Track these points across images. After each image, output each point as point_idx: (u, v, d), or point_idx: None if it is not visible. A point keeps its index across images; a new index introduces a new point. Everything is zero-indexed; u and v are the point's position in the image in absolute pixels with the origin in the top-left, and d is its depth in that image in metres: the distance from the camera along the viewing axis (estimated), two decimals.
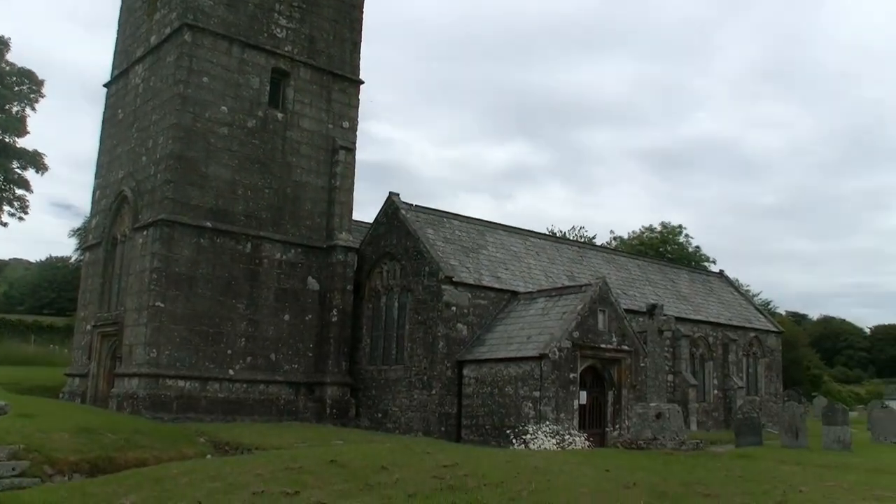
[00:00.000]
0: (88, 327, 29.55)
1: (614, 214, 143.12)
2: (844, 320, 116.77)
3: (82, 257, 35.68)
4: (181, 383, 25.28)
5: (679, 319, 34.56)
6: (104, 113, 32.30)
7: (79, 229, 60.24)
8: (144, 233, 26.38)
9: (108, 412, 24.47)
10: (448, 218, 30.89)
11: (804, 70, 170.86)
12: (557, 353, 23.81)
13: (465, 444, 23.84)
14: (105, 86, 32.62)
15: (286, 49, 29.41)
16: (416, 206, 30.13)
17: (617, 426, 25.22)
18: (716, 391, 37.36)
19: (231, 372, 26.52)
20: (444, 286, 26.54)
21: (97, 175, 31.83)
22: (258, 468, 12.69)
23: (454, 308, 26.66)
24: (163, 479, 12.35)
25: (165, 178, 26.14)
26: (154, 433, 20.12)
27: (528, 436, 20.92)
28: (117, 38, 32.71)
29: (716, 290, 43.16)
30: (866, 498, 11.00)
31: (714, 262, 65.29)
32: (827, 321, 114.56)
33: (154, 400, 24.45)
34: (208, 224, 26.51)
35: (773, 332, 42.38)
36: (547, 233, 47.36)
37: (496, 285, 28.31)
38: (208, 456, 18.53)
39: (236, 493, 10.74)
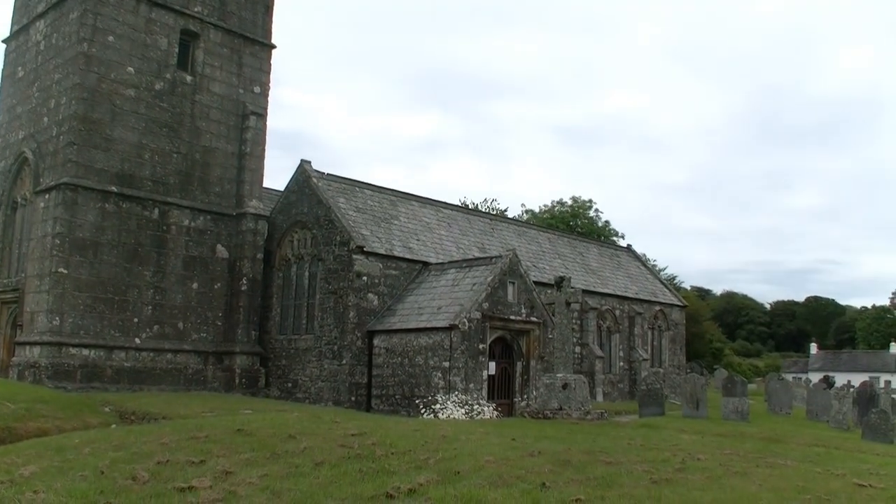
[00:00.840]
0: None
1: (526, 187, 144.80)
2: (746, 296, 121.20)
3: None
4: (85, 352, 24.71)
5: (587, 292, 35.33)
6: (3, 70, 30.88)
7: None
8: (46, 196, 25.52)
9: (9, 381, 23.79)
10: (360, 187, 30.71)
11: (716, 51, 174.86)
12: (467, 323, 24.03)
13: (375, 413, 23.92)
14: (4, 41, 31.21)
15: (196, 10, 28.64)
16: (328, 174, 29.86)
17: (525, 396, 25.62)
18: (621, 363, 38.30)
19: (137, 340, 26.01)
20: (355, 256, 26.45)
21: None
22: (164, 437, 12.50)
23: (365, 278, 26.61)
24: (65, 449, 12.06)
25: (68, 140, 25.30)
26: (57, 403, 19.61)
27: (438, 405, 21.12)
28: None
29: (623, 265, 44.09)
30: (759, 465, 11.45)
31: (623, 237, 66.31)
32: (729, 296, 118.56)
33: (57, 369, 23.86)
34: (114, 188, 25.82)
35: (678, 306, 43.59)
36: (459, 204, 47.42)
37: (408, 256, 28.35)
38: (113, 426, 18.17)
39: (141, 462, 10.55)
